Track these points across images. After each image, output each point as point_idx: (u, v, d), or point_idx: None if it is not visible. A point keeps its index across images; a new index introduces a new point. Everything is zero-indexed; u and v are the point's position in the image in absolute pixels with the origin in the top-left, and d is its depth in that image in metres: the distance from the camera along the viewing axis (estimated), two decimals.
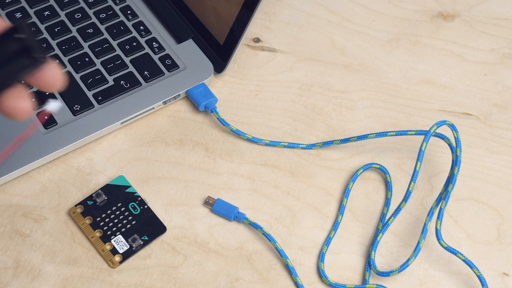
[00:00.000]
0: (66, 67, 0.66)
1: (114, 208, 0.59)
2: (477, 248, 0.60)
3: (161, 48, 0.68)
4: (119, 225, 0.59)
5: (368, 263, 0.58)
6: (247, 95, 0.68)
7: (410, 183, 0.59)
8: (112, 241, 0.58)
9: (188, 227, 0.60)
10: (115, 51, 0.68)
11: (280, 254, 0.58)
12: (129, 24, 0.70)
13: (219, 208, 0.60)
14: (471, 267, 0.58)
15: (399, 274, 0.58)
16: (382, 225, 0.60)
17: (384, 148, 0.66)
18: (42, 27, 0.69)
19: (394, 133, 0.63)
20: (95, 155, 0.63)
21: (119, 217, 0.59)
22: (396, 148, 0.66)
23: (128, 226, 0.59)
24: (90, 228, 0.58)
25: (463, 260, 0.58)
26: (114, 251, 0.57)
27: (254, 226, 0.59)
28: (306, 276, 0.58)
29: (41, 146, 0.61)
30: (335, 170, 0.64)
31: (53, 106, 0.42)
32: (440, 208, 0.58)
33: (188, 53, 0.68)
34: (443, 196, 0.59)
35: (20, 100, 0.43)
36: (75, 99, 0.64)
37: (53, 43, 0.68)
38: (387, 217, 0.61)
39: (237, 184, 0.62)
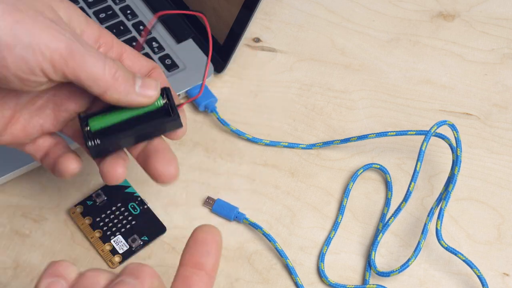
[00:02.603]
0: None
1: (113, 208, 0.59)
2: (477, 248, 0.60)
3: (160, 48, 0.68)
4: (119, 225, 0.59)
5: (368, 263, 0.58)
6: (247, 95, 0.68)
7: (410, 183, 0.59)
8: (112, 241, 0.58)
9: (188, 227, 0.59)
10: None
11: (280, 254, 0.58)
12: (129, 24, 0.70)
13: (219, 208, 0.60)
14: (471, 267, 0.58)
15: (400, 274, 0.58)
16: (382, 225, 0.60)
17: (384, 148, 0.65)
18: None
19: (394, 133, 0.63)
20: None
21: (118, 217, 0.59)
22: (396, 148, 0.66)
23: (128, 226, 0.59)
24: (89, 228, 0.58)
25: (463, 260, 0.58)
26: (113, 251, 0.57)
27: (254, 226, 0.59)
28: (306, 276, 0.58)
29: None
30: (335, 170, 0.64)
31: None
32: (441, 208, 0.58)
33: (188, 53, 0.68)
34: (444, 196, 0.59)
35: (168, 166, 0.49)
36: None
37: None
38: (387, 217, 0.61)
39: (237, 184, 0.62)
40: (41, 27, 0.43)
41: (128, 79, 0.46)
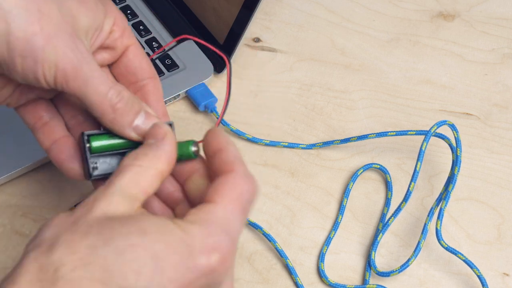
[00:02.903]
0: None
1: None
2: (477, 248, 0.60)
3: (161, 48, 0.68)
4: None
5: (368, 263, 0.58)
6: (247, 95, 0.68)
7: (410, 183, 0.59)
8: None
9: None
10: None
11: (280, 254, 0.58)
12: (129, 24, 0.70)
13: None
14: (471, 267, 0.58)
15: (399, 274, 0.58)
16: (382, 225, 0.60)
17: (384, 148, 0.65)
18: None
19: (394, 133, 0.63)
20: None
21: None
22: (396, 148, 0.66)
23: None
24: None
25: (463, 260, 0.58)
26: None
27: (254, 226, 0.59)
28: (306, 276, 0.58)
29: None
30: (335, 170, 0.64)
31: None
32: (441, 208, 0.58)
33: (188, 53, 0.68)
34: (443, 196, 0.59)
35: None
36: None
37: None
38: (387, 217, 0.61)
39: None
40: (56, 43, 0.42)
41: (128, 112, 0.45)
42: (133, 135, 0.45)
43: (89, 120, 0.49)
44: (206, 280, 0.37)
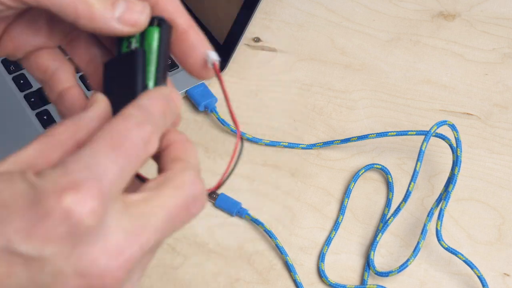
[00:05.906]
0: None
1: None
2: (477, 248, 0.60)
3: None
4: None
5: (368, 264, 0.58)
6: (247, 95, 0.68)
7: (410, 183, 0.59)
8: None
9: (188, 228, 0.59)
10: None
11: (280, 251, 0.58)
12: None
13: (222, 203, 0.60)
14: (471, 268, 0.57)
15: (400, 274, 0.58)
16: (382, 225, 0.60)
17: (385, 148, 0.65)
18: None
19: (395, 133, 0.63)
20: None
21: None
22: (397, 148, 0.65)
23: None
24: None
25: (464, 261, 0.58)
26: None
27: (256, 222, 0.59)
28: (306, 276, 0.58)
29: None
30: (336, 170, 0.64)
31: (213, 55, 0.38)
32: (441, 209, 0.58)
33: None
34: (444, 196, 0.59)
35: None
36: None
37: None
38: (387, 217, 0.61)
39: (237, 184, 0.62)
40: None
41: (105, 2, 0.37)
42: (122, 28, 0.38)
43: None
44: (67, 229, 0.30)
